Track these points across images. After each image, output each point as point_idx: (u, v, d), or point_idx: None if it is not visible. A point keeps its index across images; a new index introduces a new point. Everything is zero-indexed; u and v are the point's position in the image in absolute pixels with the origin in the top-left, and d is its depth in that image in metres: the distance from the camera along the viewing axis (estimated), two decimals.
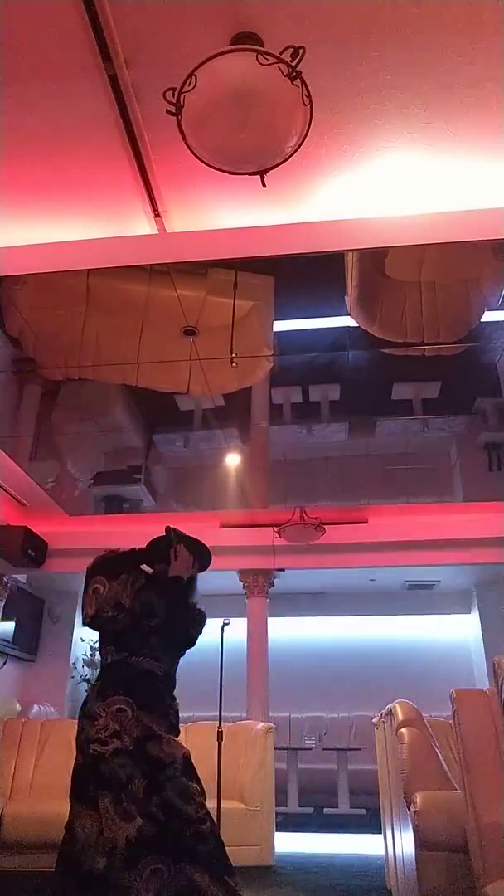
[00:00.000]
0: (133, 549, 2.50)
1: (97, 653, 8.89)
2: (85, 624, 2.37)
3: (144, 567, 2.43)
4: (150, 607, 2.33)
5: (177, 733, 2.27)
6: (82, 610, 2.38)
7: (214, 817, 2.91)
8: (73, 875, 2.02)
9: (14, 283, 4.11)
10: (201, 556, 2.55)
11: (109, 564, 2.41)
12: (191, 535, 2.57)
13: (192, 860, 2.01)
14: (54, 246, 3.51)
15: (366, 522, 7.30)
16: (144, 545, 2.56)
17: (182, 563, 2.45)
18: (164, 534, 2.54)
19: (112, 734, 2.13)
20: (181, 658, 2.42)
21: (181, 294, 4.29)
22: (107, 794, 2.06)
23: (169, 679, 2.34)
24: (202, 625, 2.42)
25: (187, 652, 2.45)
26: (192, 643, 2.39)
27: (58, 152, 3.00)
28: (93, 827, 2.04)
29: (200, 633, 2.41)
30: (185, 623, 2.38)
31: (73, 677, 8.45)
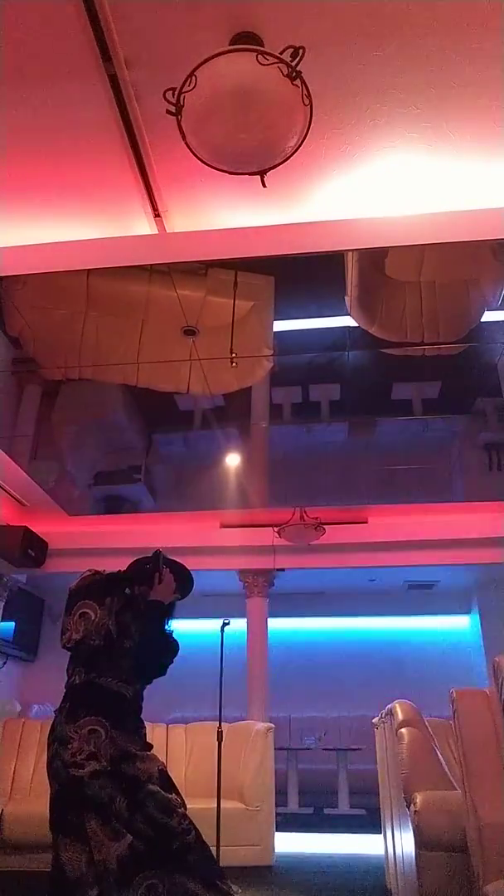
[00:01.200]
0: (118, 572, 2.45)
1: None
2: (65, 647, 2.33)
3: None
4: (126, 629, 2.29)
5: (149, 748, 2.25)
6: (63, 633, 2.32)
7: (214, 817, 2.92)
8: None
9: (14, 283, 4.11)
10: (184, 582, 2.50)
11: (96, 588, 2.34)
12: (176, 561, 2.51)
13: (184, 870, 2.02)
14: (54, 246, 3.51)
15: (366, 522, 7.30)
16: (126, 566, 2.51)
17: (165, 587, 2.40)
18: (151, 555, 2.47)
19: (88, 756, 2.08)
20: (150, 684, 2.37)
21: (181, 294, 4.29)
22: (92, 816, 2.01)
23: (136, 703, 2.30)
24: (174, 654, 2.37)
25: (187, 652, 2.45)
26: (163, 671, 2.34)
27: (58, 152, 3.00)
28: (81, 856, 1.98)
29: (171, 662, 2.36)
30: (157, 649, 2.34)
31: None
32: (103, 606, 2.28)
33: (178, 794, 2.18)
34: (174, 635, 2.41)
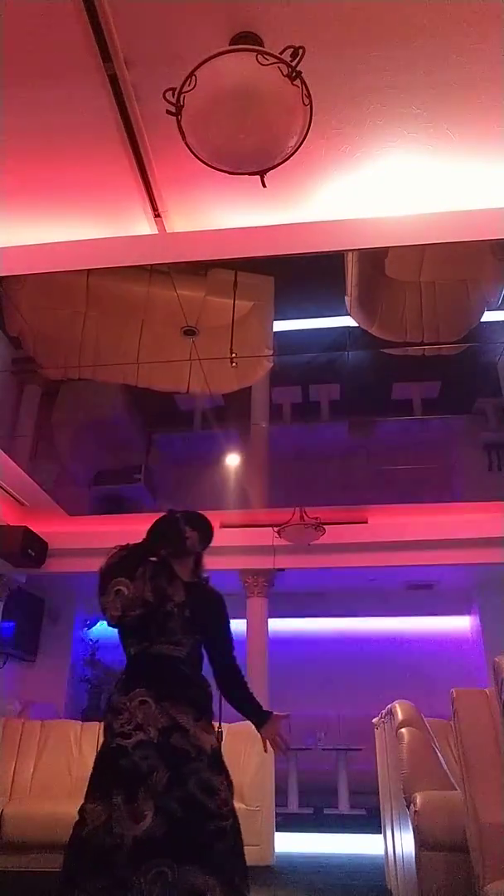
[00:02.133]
0: (141, 542, 2.47)
1: (97, 653, 8.90)
2: (111, 625, 2.35)
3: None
4: (163, 592, 2.32)
5: (209, 718, 2.25)
6: (104, 612, 2.32)
7: None
8: (82, 857, 2.05)
9: (14, 283, 4.11)
10: (206, 532, 2.56)
11: (126, 563, 2.36)
12: (191, 513, 2.57)
13: (201, 861, 1.98)
14: (54, 246, 3.50)
15: (366, 522, 7.30)
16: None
17: (192, 542, 2.48)
18: (168, 517, 2.52)
19: (135, 727, 2.11)
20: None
21: (181, 294, 4.29)
22: (120, 792, 2.04)
23: (193, 660, 2.32)
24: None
25: None
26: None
27: (58, 152, 3.00)
28: (103, 816, 2.05)
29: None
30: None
31: (73, 677, 8.45)
32: (135, 579, 2.31)
33: (227, 776, 2.17)
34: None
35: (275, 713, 2.42)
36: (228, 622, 2.51)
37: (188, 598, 2.36)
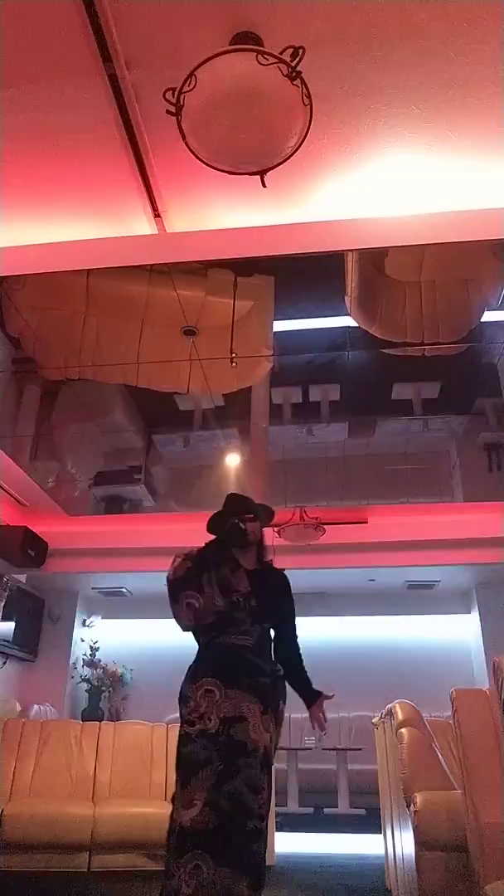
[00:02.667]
0: (206, 547, 2.51)
1: (97, 653, 8.90)
2: (185, 630, 2.44)
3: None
4: (229, 584, 2.35)
5: (275, 711, 2.30)
6: (177, 619, 2.40)
7: None
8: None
9: (14, 283, 4.11)
10: (266, 516, 2.64)
11: (192, 575, 2.40)
12: (246, 503, 2.65)
13: (239, 863, 1.99)
14: (54, 246, 3.50)
15: (366, 522, 7.30)
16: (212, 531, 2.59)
17: (253, 533, 2.55)
18: (221, 514, 2.59)
19: (199, 716, 2.17)
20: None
21: (181, 294, 4.29)
22: (178, 777, 2.12)
23: (261, 648, 2.36)
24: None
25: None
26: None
27: (58, 152, 3.00)
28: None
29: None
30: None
31: (72, 677, 8.45)
32: (204, 592, 2.36)
33: (271, 778, 2.21)
34: None
35: (323, 693, 2.58)
36: (292, 602, 2.59)
37: (253, 586, 2.40)
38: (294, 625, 2.54)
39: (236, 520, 2.52)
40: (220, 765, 2.08)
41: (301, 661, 2.57)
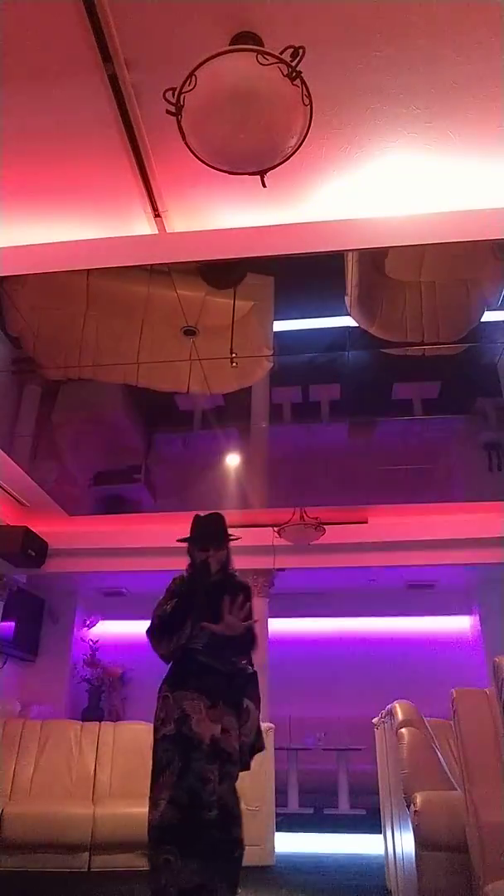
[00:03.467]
0: (185, 596, 2.57)
1: (97, 653, 8.90)
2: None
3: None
4: (200, 611, 2.49)
5: (232, 700, 2.37)
6: (156, 649, 2.56)
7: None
8: None
9: (14, 283, 4.11)
10: (193, 532, 2.65)
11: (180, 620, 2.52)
12: (212, 523, 2.67)
13: (204, 854, 2.10)
14: (54, 246, 3.50)
15: (366, 522, 7.30)
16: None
17: (221, 562, 2.65)
18: (192, 536, 2.64)
19: (161, 721, 2.32)
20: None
21: (181, 294, 4.29)
22: (150, 781, 2.27)
23: (215, 647, 2.43)
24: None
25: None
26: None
27: (58, 152, 3.00)
28: None
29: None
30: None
31: (73, 677, 8.45)
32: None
33: (224, 765, 2.25)
34: None
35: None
36: (249, 610, 2.62)
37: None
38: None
39: (204, 556, 2.60)
40: (179, 764, 2.21)
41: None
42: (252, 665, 2.57)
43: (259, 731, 2.51)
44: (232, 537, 2.66)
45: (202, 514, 2.71)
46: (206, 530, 2.65)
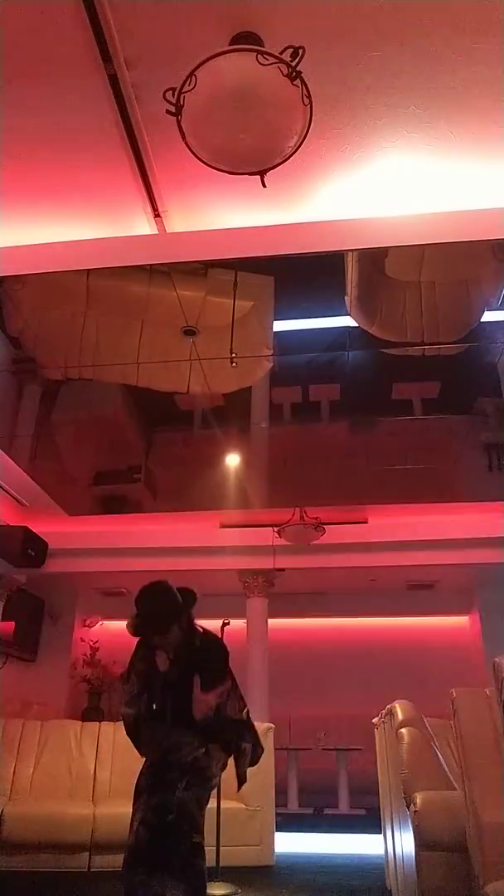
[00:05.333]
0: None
1: (97, 653, 8.90)
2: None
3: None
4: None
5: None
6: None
7: (214, 817, 2.98)
8: None
9: (14, 283, 4.11)
10: (185, 606, 2.52)
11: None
12: (157, 604, 2.50)
13: (168, 864, 2.13)
14: (54, 246, 3.50)
15: (366, 522, 7.30)
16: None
17: (169, 647, 2.51)
18: (137, 622, 2.51)
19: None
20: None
21: (181, 294, 4.29)
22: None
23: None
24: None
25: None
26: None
27: (58, 152, 3.00)
28: None
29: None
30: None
31: (73, 677, 8.45)
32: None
33: (194, 776, 2.26)
34: None
35: None
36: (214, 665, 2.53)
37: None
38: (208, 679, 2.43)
39: (146, 650, 2.46)
40: (152, 781, 2.29)
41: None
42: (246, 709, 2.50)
43: (255, 749, 2.49)
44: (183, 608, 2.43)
45: (148, 586, 2.50)
46: (146, 616, 2.43)
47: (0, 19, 2.39)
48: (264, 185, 2.56)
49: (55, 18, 2.39)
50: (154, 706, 2.35)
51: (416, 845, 2.59)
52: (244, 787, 4.14)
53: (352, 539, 7.23)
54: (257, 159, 2.49)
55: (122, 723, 2.46)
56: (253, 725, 2.51)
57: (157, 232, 3.40)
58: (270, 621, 7.67)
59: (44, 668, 8.42)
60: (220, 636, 2.59)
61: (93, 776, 4.53)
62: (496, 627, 8.10)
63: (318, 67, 2.49)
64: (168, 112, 2.38)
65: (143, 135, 2.85)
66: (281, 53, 2.27)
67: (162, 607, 2.43)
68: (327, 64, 2.53)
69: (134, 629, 2.45)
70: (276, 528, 6.87)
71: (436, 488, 7.07)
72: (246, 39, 2.39)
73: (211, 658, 2.45)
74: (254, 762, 2.52)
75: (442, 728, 3.33)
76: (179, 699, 2.34)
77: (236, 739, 2.39)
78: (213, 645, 2.51)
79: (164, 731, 2.32)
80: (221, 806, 3.74)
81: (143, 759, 2.41)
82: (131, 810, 2.28)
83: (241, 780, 2.45)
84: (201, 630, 2.53)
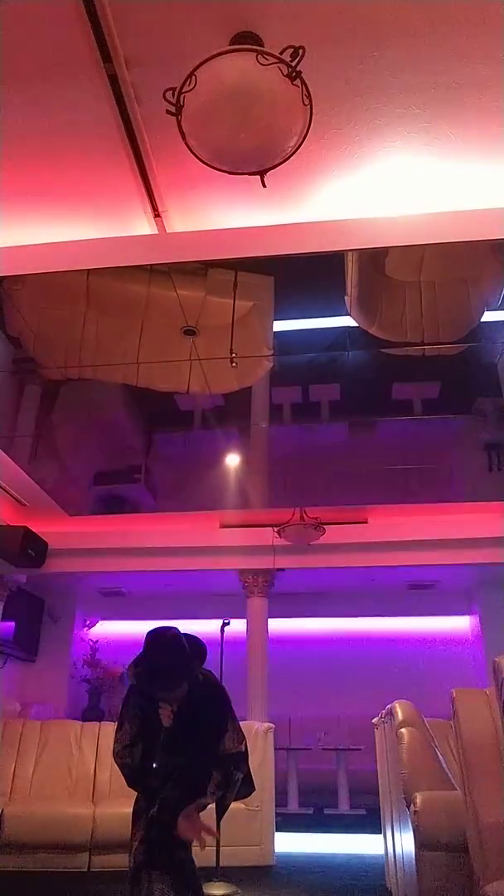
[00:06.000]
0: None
1: (97, 653, 8.90)
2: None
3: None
4: None
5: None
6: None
7: (214, 817, 2.96)
8: None
9: (14, 283, 4.11)
10: (196, 659, 2.37)
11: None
12: (163, 660, 2.27)
13: (155, 863, 2.11)
14: (54, 246, 3.50)
15: (366, 522, 7.30)
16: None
17: (175, 703, 2.33)
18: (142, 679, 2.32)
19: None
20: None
21: (181, 294, 4.29)
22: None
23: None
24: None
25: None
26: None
27: (58, 152, 3.00)
28: None
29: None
30: None
31: (73, 677, 8.45)
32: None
33: (143, 827, 2.20)
34: None
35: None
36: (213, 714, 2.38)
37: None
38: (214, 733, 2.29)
39: (146, 702, 2.27)
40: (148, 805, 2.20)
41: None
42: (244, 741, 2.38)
43: (246, 783, 2.39)
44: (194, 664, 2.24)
45: (158, 637, 2.22)
46: (155, 671, 2.19)
47: (0, 19, 2.39)
48: (264, 185, 2.56)
49: (55, 18, 2.39)
50: (154, 765, 2.20)
51: (416, 845, 2.59)
52: None
53: (352, 539, 7.23)
54: (257, 159, 2.49)
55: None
56: (247, 758, 2.39)
57: (157, 232, 3.40)
58: (270, 621, 7.67)
59: (44, 668, 8.42)
60: (214, 676, 2.44)
61: (93, 776, 4.53)
62: (496, 627, 8.10)
63: (318, 67, 2.49)
64: (168, 112, 2.38)
65: (143, 135, 2.85)
66: (281, 53, 2.27)
67: (174, 663, 2.20)
68: (327, 64, 2.53)
69: (137, 679, 2.26)
70: (276, 528, 6.87)
71: (436, 488, 7.08)
72: (246, 39, 2.39)
73: (211, 705, 2.30)
74: (241, 796, 2.43)
75: (442, 728, 3.34)
76: (177, 744, 2.22)
77: (230, 769, 2.30)
78: (212, 689, 2.35)
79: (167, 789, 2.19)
80: None
81: None
82: (130, 831, 2.22)
83: (223, 810, 2.33)
84: (199, 676, 2.36)
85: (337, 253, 3.72)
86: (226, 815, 2.40)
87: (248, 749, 2.41)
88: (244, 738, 2.37)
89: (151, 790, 2.18)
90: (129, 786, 2.27)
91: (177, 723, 2.23)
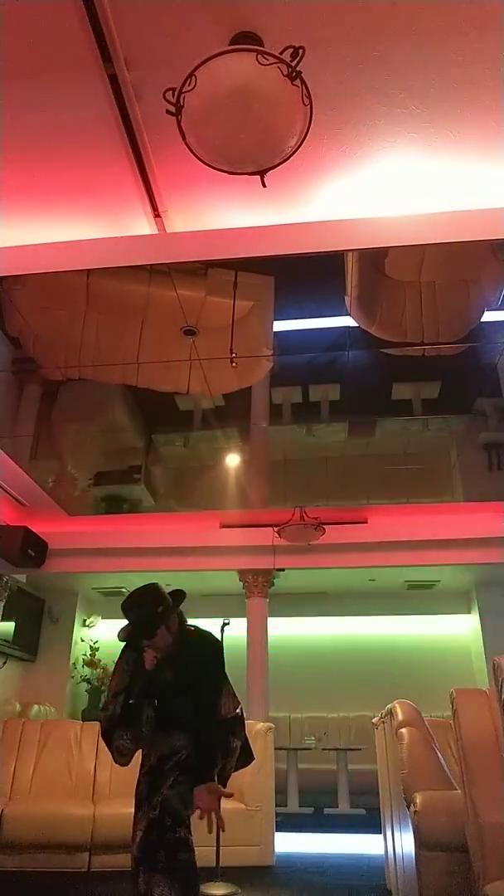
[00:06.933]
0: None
1: (97, 653, 8.91)
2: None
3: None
4: None
5: None
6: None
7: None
8: None
9: (14, 283, 4.11)
10: (172, 608, 2.48)
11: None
12: (144, 610, 2.44)
13: (156, 865, 2.14)
14: (54, 246, 3.51)
15: (366, 522, 7.30)
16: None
17: (157, 649, 2.46)
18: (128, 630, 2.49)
19: (145, 756, 2.39)
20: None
21: (181, 294, 4.29)
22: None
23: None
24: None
25: None
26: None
27: (58, 152, 3.00)
28: None
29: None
30: None
31: (72, 677, 8.45)
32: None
33: (181, 773, 2.27)
34: None
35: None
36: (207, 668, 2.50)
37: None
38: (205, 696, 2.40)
39: (132, 652, 2.43)
40: (148, 790, 2.32)
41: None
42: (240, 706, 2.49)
43: (245, 751, 2.48)
44: (167, 609, 2.37)
45: (133, 591, 2.45)
46: (132, 622, 2.40)
47: (0, 19, 2.39)
48: (264, 185, 2.56)
49: (55, 18, 2.39)
50: (130, 701, 2.32)
51: (416, 845, 2.59)
52: (244, 787, 4.17)
53: (352, 539, 7.23)
54: (257, 159, 2.49)
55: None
56: (244, 723, 2.49)
57: (157, 232, 3.41)
58: (270, 621, 7.67)
59: (44, 668, 8.42)
60: (212, 633, 2.56)
61: (93, 776, 4.53)
62: (496, 627, 8.10)
63: (319, 68, 2.49)
64: (168, 112, 2.38)
65: (143, 134, 2.85)
66: (281, 53, 2.27)
67: (147, 610, 2.39)
68: (327, 64, 2.53)
69: (124, 634, 2.43)
70: (276, 528, 6.87)
71: (436, 488, 7.08)
72: (246, 39, 2.39)
73: (207, 660, 2.42)
74: (241, 765, 2.50)
75: (442, 728, 3.34)
76: (173, 702, 2.32)
77: (228, 737, 2.37)
78: (207, 643, 2.48)
79: (161, 737, 2.30)
80: (221, 806, 3.73)
81: (141, 761, 2.40)
82: (133, 819, 2.27)
83: (224, 779, 2.40)
84: (193, 629, 2.51)
85: (337, 253, 3.71)
86: (225, 815, 2.41)
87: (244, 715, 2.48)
88: (239, 703, 2.42)
89: (140, 738, 2.35)
90: (102, 735, 2.44)
91: (166, 672, 2.35)
